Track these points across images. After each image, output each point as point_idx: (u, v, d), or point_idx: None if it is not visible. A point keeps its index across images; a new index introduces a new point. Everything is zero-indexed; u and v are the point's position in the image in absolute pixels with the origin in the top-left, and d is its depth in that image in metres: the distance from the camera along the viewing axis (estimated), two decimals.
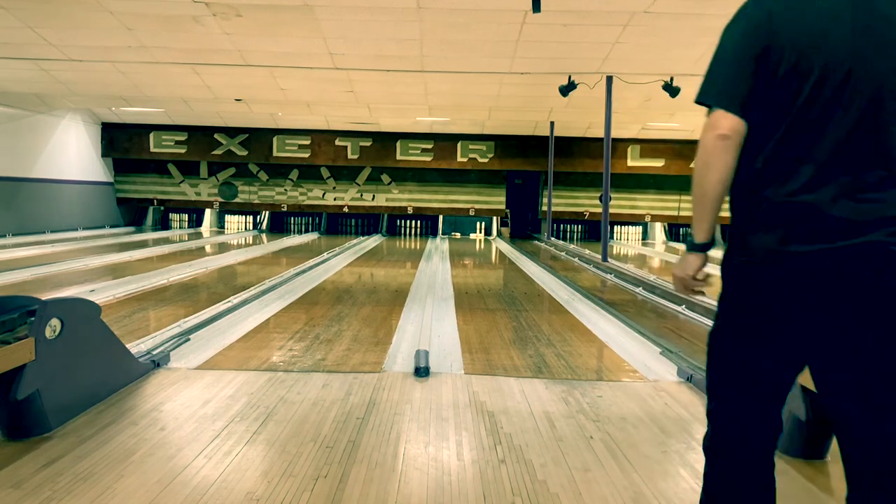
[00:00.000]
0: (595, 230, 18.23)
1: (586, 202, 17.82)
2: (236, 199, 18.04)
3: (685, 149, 17.05)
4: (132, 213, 18.23)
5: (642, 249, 16.36)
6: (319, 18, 8.22)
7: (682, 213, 18.03)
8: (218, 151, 17.25)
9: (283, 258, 11.68)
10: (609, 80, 10.68)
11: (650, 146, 17.07)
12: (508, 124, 15.88)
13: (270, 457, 2.72)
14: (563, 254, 13.20)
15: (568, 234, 18.60)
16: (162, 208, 18.73)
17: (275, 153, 17.26)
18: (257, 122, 16.45)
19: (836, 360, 1.59)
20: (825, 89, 1.58)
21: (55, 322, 2.96)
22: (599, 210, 15.98)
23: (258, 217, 18.72)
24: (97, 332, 3.37)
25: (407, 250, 14.40)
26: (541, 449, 2.85)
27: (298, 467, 2.61)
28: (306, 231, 18.50)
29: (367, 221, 18.73)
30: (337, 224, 18.69)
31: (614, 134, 12.23)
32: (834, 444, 2.80)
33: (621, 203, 17.62)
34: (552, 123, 15.22)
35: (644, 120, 14.93)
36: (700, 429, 3.16)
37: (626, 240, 18.61)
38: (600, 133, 11.85)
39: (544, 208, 17.32)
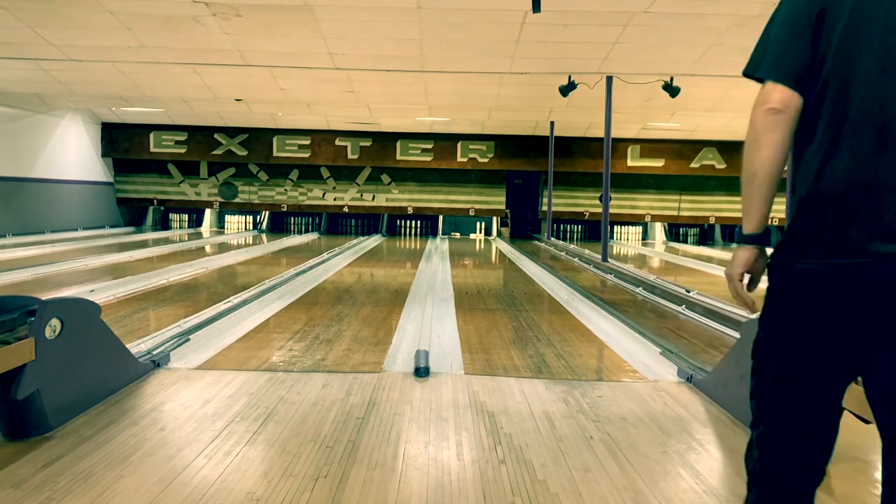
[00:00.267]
0: (595, 230, 18.23)
1: (586, 202, 17.81)
2: (236, 199, 18.04)
3: (685, 149, 17.05)
4: (132, 213, 18.23)
5: (642, 249, 16.37)
6: (319, 18, 8.22)
7: (682, 213, 18.03)
8: (218, 151, 17.25)
9: (283, 258, 11.68)
10: (609, 80, 10.68)
11: (650, 146, 17.07)
12: (508, 124, 15.88)
13: (270, 457, 2.72)
14: (563, 254, 13.19)
15: (568, 234, 18.60)
16: (162, 208, 18.73)
17: (275, 153, 17.26)
18: (257, 122, 16.45)
19: None
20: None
21: (55, 322, 2.96)
22: (599, 210, 15.98)
23: (258, 217, 18.72)
24: (97, 332, 3.37)
25: (407, 250, 14.41)
26: (541, 449, 2.85)
27: (298, 467, 2.61)
28: (306, 231, 18.50)
29: (367, 221, 18.73)
30: (337, 224, 18.68)
31: (614, 134, 12.24)
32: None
33: (621, 203, 17.61)
34: (552, 123, 15.22)
35: (644, 120, 14.93)
36: (700, 428, 3.17)
37: (626, 240, 18.61)
38: (600, 133, 11.85)
39: (544, 208, 17.32)
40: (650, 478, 2.59)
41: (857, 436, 3.01)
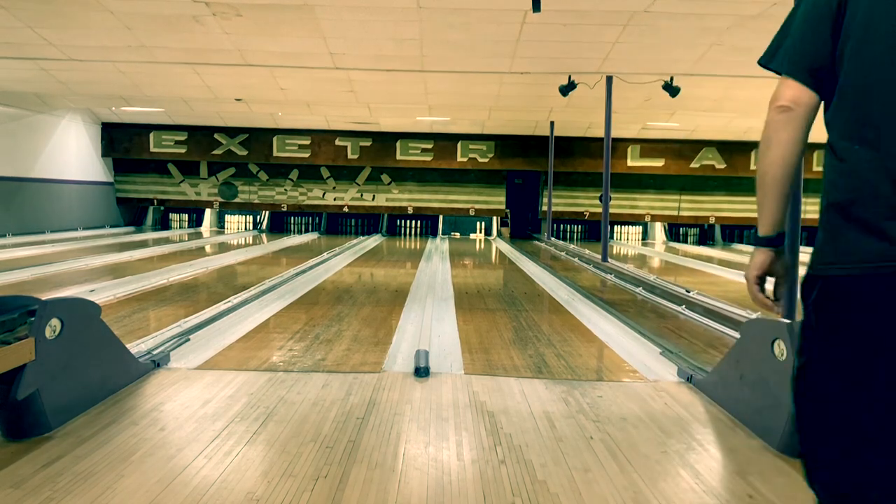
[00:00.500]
0: (595, 230, 18.23)
1: (586, 202, 17.82)
2: (236, 199, 18.04)
3: (685, 149, 17.05)
4: (132, 213, 18.23)
5: (642, 249, 16.37)
6: (319, 18, 8.22)
7: (682, 213, 18.04)
8: (218, 151, 17.25)
9: (283, 258, 11.68)
10: (609, 80, 10.68)
11: (650, 146, 17.08)
12: (508, 124, 15.89)
13: (270, 457, 2.72)
14: (563, 254, 13.19)
15: (568, 234, 18.60)
16: (162, 208, 18.73)
17: (275, 153, 17.26)
18: (257, 122, 16.45)
19: None
20: None
21: (55, 322, 2.96)
22: (599, 210, 15.98)
23: (258, 217, 18.72)
24: (97, 332, 3.37)
25: (407, 250, 14.41)
26: (541, 449, 2.85)
27: (298, 467, 2.61)
28: (306, 231, 18.50)
29: (367, 221, 18.73)
30: (337, 224, 18.68)
31: (614, 134, 12.23)
32: None
33: (621, 203, 17.61)
34: (552, 123, 15.22)
35: (644, 120, 14.94)
36: (700, 428, 3.17)
37: (626, 240, 18.61)
38: (600, 133, 11.85)
39: (544, 208, 17.32)
40: (650, 478, 2.59)
41: None
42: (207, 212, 18.70)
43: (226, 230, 18.59)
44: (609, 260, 10.86)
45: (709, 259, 13.23)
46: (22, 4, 7.95)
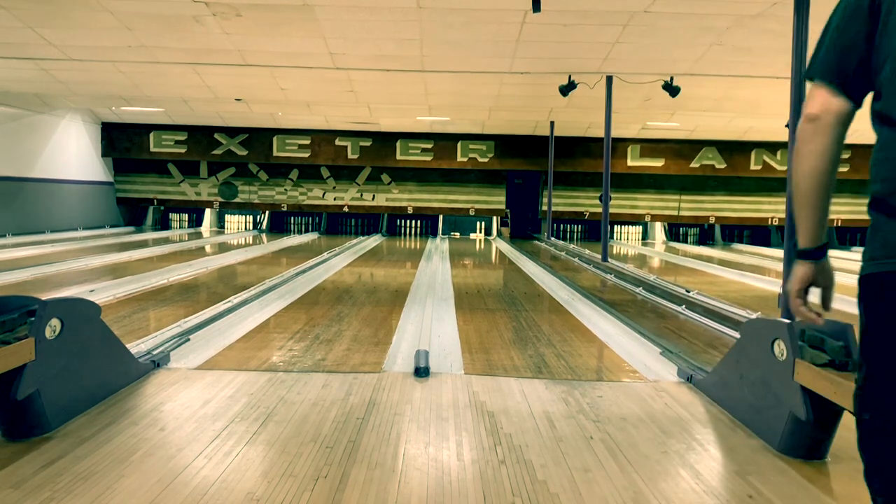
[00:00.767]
0: (595, 230, 18.23)
1: (586, 202, 17.82)
2: (236, 199, 18.04)
3: (685, 149, 17.05)
4: (132, 213, 18.23)
5: (642, 249, 16.37)
6: (319, 18, 8.22)
7: (682, 213, 18.04)
8: (218, 151, 17.25)
9: (283, 258, 11.68)
10: (609, 80, 10.68)
11: (650, 146, 17.08)
12: (508, 124, 15.89)
13: (270, 457, 2.72)
14: (563, 254, 13.19)
15: (568, 234, 18.60)
16: (162, 208, 18.73)
17: (275, 153, 17.26)
18: (257, 122, 16.45)
19: None
20: None
21: (55, 322, 2.96)
22: (599, 210, 15.97)
23: (258, 217, 18.72)
24: (97, 332, 3.37)
25: (407, 250, 14.41)
26: (541, 449, 2.85)
27: (298, 467, 2.61)
28: (306, 231, 18.50)
29: (367, 221, 18.73)
30: (337, 224, 18.68)
31: (614, 134, 12.23)
32: (834, 445, 2.81)
33: (621, 203, 17.62)
34: (552, 123, 15.22)
35: (644, 120, 14.94)
36: (700, 428, 3.17)
37: (626, 240, 18.61)
38: (600, 133, 11.85)
39: (544, 208, 17.32)
40: (650, 478, 2.59)
41: None
42: (207, 212, 18.70)
43: (226, 230, 18.58)
44: (609, 260, 10.87)
45: (709, 259, 13.23)
46: (22, 4, 7.95)
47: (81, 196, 16.13)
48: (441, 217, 18.47)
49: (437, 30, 8.60)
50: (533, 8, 6.88)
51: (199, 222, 18.85)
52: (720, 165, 17.08)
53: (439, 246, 14.70)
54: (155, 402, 3.38)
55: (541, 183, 18.01)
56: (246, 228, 18.77)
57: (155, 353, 4.17)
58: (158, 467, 2.59)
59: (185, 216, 18.99)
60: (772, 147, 16.83)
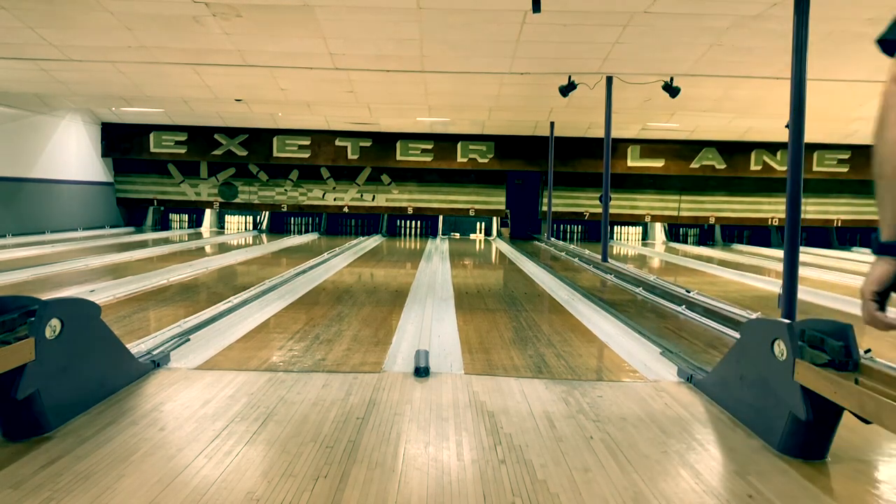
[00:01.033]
0: (595, 230, 18.24)
1: (586, 202, 17.82)
2: (236, 200, 18.04)
3: (685, 149, 17.06)
4: (132, 213, 18.23)
5: (642, 249, 16.37)
6: (319, 18, 8.23)
7: (682, 214, 18.04)
8: (218, 151, 17.26)
9: (283, 258, 11.67)
10: (609, 80, 10.68)
11: (650, 146, 17.08)
12: (508, 124, 15.89)
13: (270, 457, 2.72)
14: (563, 254, 13.19)
15: (568, 234, 18.61)
16: (162, 208, 18.73)
17: (275, 153, 17.26)
18: (257, 122, 16.46)
19: None
20: None
21: (55, 322, 2.96)
22: (599, 210, 15.97)
23: (258, 217, 18.72)
24: (97, 332, 3.37)
25: (407, 250, 14.40)
26: (541, 449, 2.85)
27: (298, 467, 2.61)
28: (306, 231, 18.50)
29: (367, 222, 18.74)
30: (337, 224, 18.69)
31: (614, 134, 12.23)
32: (834, 445, 2.81)
33: (621, 203, 17.62)
34: (552, 123, 15.23)
35: (644, 120, 14.94)
36: (700, 428, 3.17)
37: (626, 240, 18.61)
38: (600, 133, 11.85)
39: (544, 208, 17.33)
40: (650, 478, 2.59)
41: (858, 436, 3.02)
42: (207, 212, 18.70)
43: (226, 230, 18.59)
44: (609, 260, 10.87)
45: (709, 259, 13.23)
46: (22, 4, 7.95)
47: (81, 196, 16.13)
48: (441, 217, 18.48)
49: (437, 30, 8.60)
50: (533, 8, 6.89)
51: (199, 223, 18.85)
52: (720, 166, 17.08)
53: (439, 246, 14.70)
54: (155, 402, 3.38)
55: (541, 183, 18.01)
56: (246, 229, 18.77)
57: (155, 353, 4.17)
58: (158, 467, 2.59)
59: (185, 216, 18.99)
60: (772, 147, 16.83)
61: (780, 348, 2.91)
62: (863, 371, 2.68)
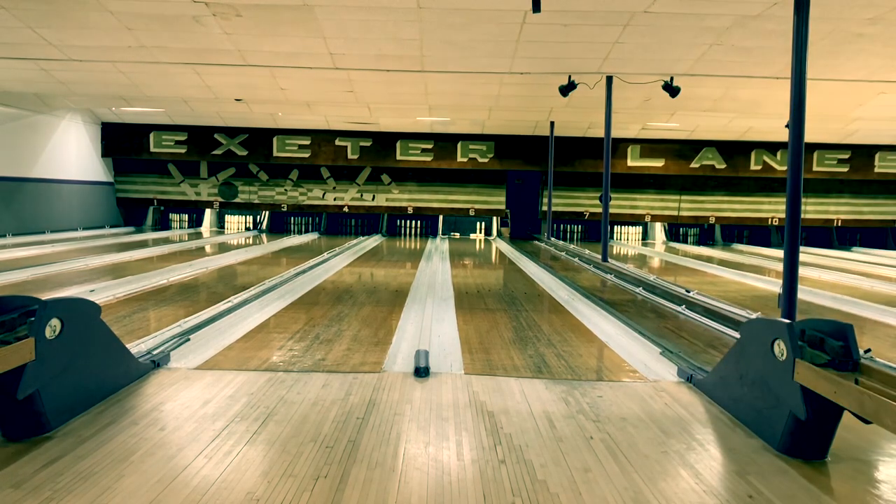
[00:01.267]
0: (595, 230, 18.24)
1: (586, 202, 17.82)
2: (236, 199, 18.05)
3: (685, 149, 17.06)
4: (132, 213, 18.23)
5: (642, 249, 16.37)
6: (319, 18, 8.23)
7: (682, 213, 18.04)
8: (218, 151, 17.25)
9: (283, 258, 11.67)
10: (609, 80, 10.68)
11: (650, 146, 17.08)
12: (508, 124, 15.89)
13: (270, 457, 2.72)
14: (563, 254, 13.19)
15: (568, 234, 18.61)
16: (162, 208, 18.73)
17: (275, 153, 17.26)
18: (257, 122, 16.46)
19: None
20: None
21: (55, 322, 2.96)
22: (599, 210, 15.98)
23: (258, 217, 18.72)
24: (97, 332, 3.37)
25: (407, 250, 14.40)
26: (541, 449, 2.85)
27: (298, 467, 2.61)
28: (306, 231, 18.50)
29: (367, 221, 18.74)
30: (337, 224, 18.69)
31: (614, 134, 12.23)
32: (834, 445, 2.81)
33: (621, 203, 17.63)
34: (552, 123, 15.22)
35: (644, 120, 14.94)
36: (700, 428, 3.17)
37: (626, 240, 18.62)
38: (600, 133, 11.85)
39: (544, 208, 17.33)
40: (650, 478, 2.59)
41: (857, 436, 3.02)
42: (207, 212, 18.70)
43: (226, 230, 18.58)
44: (609, 260, 10.87)
45: (709, 259, 13.23)
46: (22, 4, 7.95)
47: (81, 196, 16.13)
48: (441, 217, 18.48)
49: (437, 30, 8.60)
50: (533, 8, 6.88)
51: (199, 222, 18.85)
52: (720, 165, 17.09)
53: (439, 246, 14.70)
54: (155, 401, 3.38)
55: (541, 183, 18.02)
56: (246, 228, 18.77)
57: (155, 353, 4.17)
58: (158, 467, 2.59)
59: (185, 216, 18.99)
60: (772, 147, 16.83)
61: (780, 348, 2.92)
62: (863, 371, 2.68)
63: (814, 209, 17.58)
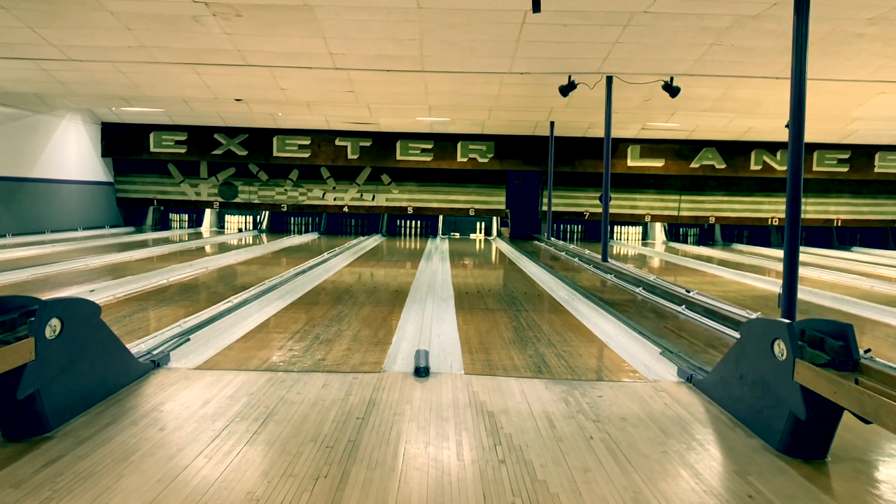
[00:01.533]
0: (595, 230, 18.24)
1: (586, 202, 17.82)
2: (236, 199, 18.05)
3: (685, 149, 17.06)
4: (132, 213, 18.23)
5: (642, 249, 16.37)
6: (319, 18, 8.22)
7: (682, 213, 18.04)
8: (218, 151, 17.26)
9: (283, 258, 11.67)
10: (609, 80, 10.68)
11: (650, 146, 17.08)
12: (508, 124, 15.90)
13: (270, 457, 2.72)
14: (563, 254, 13.19)
15: (568, 234, 18.61)
16: (162, 208, 18.73)
17: (275, 153, 17.26)
18: (257, 122, 16.46)
19: None
20: None
21: (55, 322, 2.96)
22: (599, 210, 15.97)
23: (258, 217, 18.72)
24: (97, 332, 3.37)
25: (407, 250, 14.40)
26: (541, 449, 2.85)
27: (298, 467, 2.61)
28: (306, 231, 18.50)
29: (367, 221, 18.74)
30: (337, 224, 18.69)
31: (614, 134, 12.23)
32: (834, 445, 2.81)
33: (621, 203, 17.63)
34: (552, 123, 15.22)
35: (644, 120, 14.94)
36: (700, 428, 3.17)
37: (626, 240, 18.62)
38: (600, 133, 11.85)
39: (544, 208, 17.33)
40: (650, 478, 2.59)
41: (857, 436, 3.02)
42: (207, 212, 18.70)
43: (226, 230, 18.59)
44: (609, 260, 10.87)
45: (709, 259, 13.23)
46: (22, 4, 7.95)
47: (81, 196, 16.13)
48: (441, 217, 18.48)
49: (437, 30, 8.60)
50: (533, 8, 6.88)
51: (199, 222, 18.85)
52: (720, 165, 17.09)
53: (439, 246, 14.70)
54: (155, 401, 3.38)
55: (541, 183, 18.02)
56: (246, 228, 18.77)
57: (155, 353, 4.17)
58: (158, 467, 2.59)
59: (185, 216, 18.99)
60: (772, 147, 16.83)
61: (780, 348, 2.92)
62: (863, 371, 2.68)
63: (814, 209, 17.58)
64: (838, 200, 17.70)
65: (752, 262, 12.84)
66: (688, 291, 7.28)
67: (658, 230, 18.71)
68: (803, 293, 7.12)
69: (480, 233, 18.79)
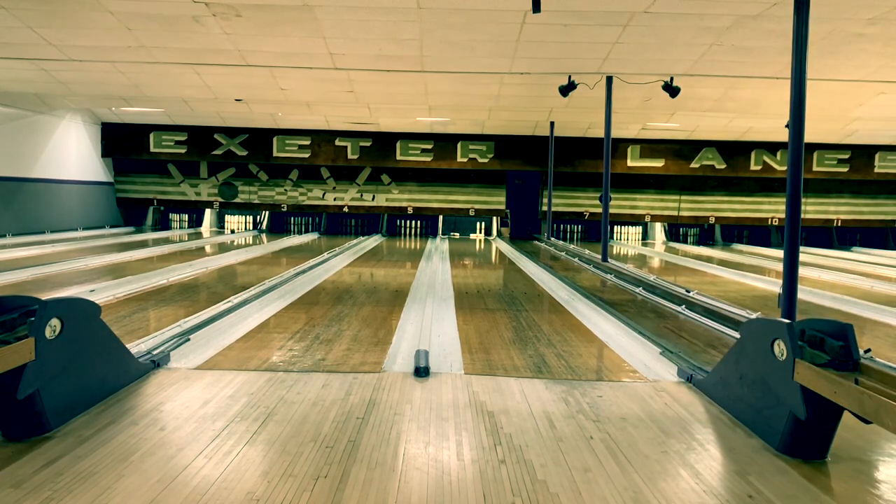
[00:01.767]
0: (595, 230, 18.24)
1: (586, 202, 17.83)
2: (236, 199, 18.05)
3: (685, 149, 17.06)
4: (132, 213, 18.23)
5: (642, 249, 16.37)
6: (319, 18, 8.23)
7: (682, 213, 18.04)
8: (218, 151, 17.26)
9: (283, 258, 11.67)
10: (609, 80, 10.68)
11: (650, 146, 17.08)
12: (508, 124, 15.90)
13: (270, 457, 2.72)
14: (563, 254, 13.19)
15: (568, 234, 18.61)
16: (162, 208, 18.73)
17: (275, 153, 17.26)
18: (257, 122, 16.46)
19: None
20: None
21: (55, 322, 2.96)
22: (599, 210, 15.97)
23: (258, 217, 18.72)
24: (97, 332, 3.37)
25: (407, 250, 14.40)
26: (541, 449, 2.85)
27: (298, 467, 2.61)
28: (306, 231, 18.50)
29: (366, 221, 18.74)
30: (337, 224, 18.69)
31: (614, 134, 12.23)
32: (834, 445, 2.81)
33: (621, 203, 17.63)
34: (552, 123, 15.23)
35: (644, 120, 14.94)
36: (700, 428, 3.17)
37: (626, 240, 18.62)
38: (600, 133, 11.85)
39: (544, 208, 17.33)
40: (650, 478, 2.59)
41: (857, 436, 3.02)
42: (207, 212, 18.70)
43: (226, 230, 18.58)
44: (609, 260, 10.87)
45: (709, 259, 13.23)
46: (22, 4, 7.95)
47: (81, 196, 16.13)
48: (441, 217, 18.48)
49: (437, 30, 8.60)
50: (533, 8, 6.88)
51: (199, 222, 18.85)
52: (720, 166, 17.09)
53: (439, 246, 14.71)
54: (155, 401, 3.38)
55: (541, 183, 18.02)
56: (246, 228, 18.77)
57: (155, 353, 4.17)
58: (158, 467, 2.59)
59: (185, 216, 18.99)
60: (772, 147, 16.83)
61: (780, 348, 2.92)
62: (863, 371, 2.68)
63: (814, 209, 17.58)
64: (838, 200, 17.70)
65: (752, 262, 12.84)
66: (688, 291, 7.28)
67: (658, 230, 18.72)
68: (803, 293, 7.12)
69: (480, 233, 18.79)
